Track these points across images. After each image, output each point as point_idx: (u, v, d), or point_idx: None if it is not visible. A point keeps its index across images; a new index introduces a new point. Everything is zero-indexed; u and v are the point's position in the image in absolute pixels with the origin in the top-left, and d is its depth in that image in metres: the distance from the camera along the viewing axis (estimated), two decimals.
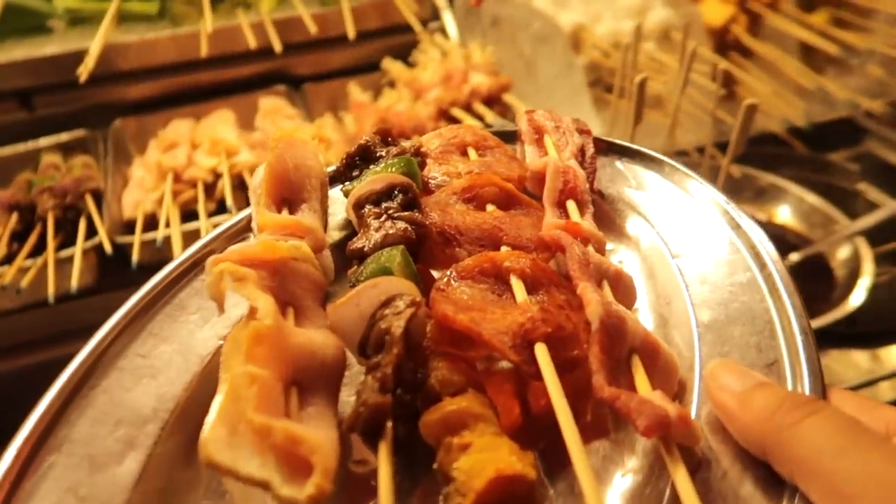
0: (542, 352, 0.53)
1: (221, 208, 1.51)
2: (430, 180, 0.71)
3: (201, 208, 1.46)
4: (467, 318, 0.53)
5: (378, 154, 0.70)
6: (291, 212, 0.65)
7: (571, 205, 0.67)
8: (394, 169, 0.65)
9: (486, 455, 0.46)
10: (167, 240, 1.38)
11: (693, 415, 0.51)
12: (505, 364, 0.59)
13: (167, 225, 1.43)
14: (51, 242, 1.37)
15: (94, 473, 0.47)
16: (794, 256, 1.54)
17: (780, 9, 2.00)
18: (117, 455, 0.48)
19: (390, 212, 0.61)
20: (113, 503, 0.46)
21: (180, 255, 0.64)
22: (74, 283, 1.30)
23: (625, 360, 0.53)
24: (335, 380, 0.51)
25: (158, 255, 1.37)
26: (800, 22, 1.94)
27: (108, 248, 1.37)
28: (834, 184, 1.79)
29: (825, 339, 1.32)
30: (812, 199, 1.68)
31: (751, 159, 1.73)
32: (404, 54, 1.95)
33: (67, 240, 1.42)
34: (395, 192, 0.63)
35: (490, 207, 0.68)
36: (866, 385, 1.27)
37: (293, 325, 0.53)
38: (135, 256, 1.35)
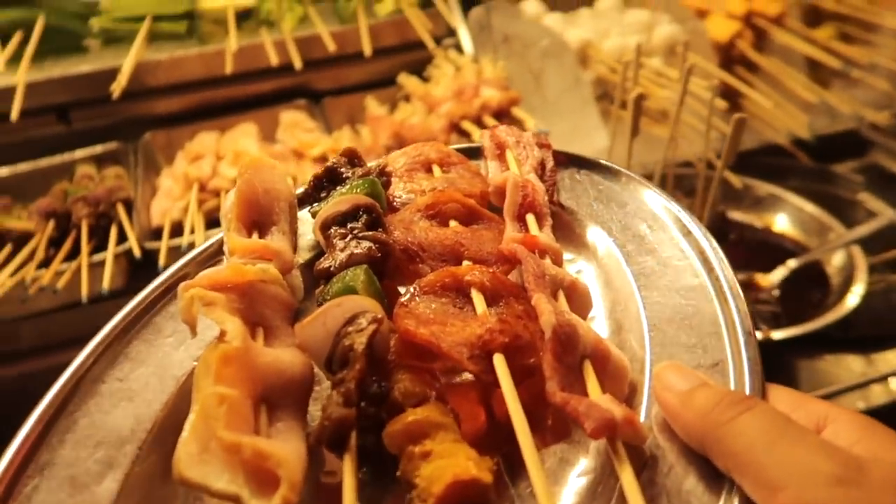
0: (499, 362, 0.56)
1: None
2: (395, 199, 0.74)
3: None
4: (428, 332, 0.56)
5: (344, 175, 0.73)
6: (261, 234, 0.68)
7: (531, 218, 0.70)
8: (358, 190, 0.68)
9: (444, 462, 0.49)
10: (192, 245, 1.45)
11: (643, 415, 0.54)
12: (467, 376, 0.63)
13: (192, 231, 1.53)
14: (84, 247, 1.48)
15: (76, 494, 0.49)
16: (792, 263, 1.56)
17: (785, 24, 2.04)
18: (97, 475, 0.51)
19: (355, 232, 0.64)
20: None
21: (153, 281, 0.67)
22: (106, 284, 1.39)
23: (577, 366, 0.55)
24: (303, 396, 0.54)
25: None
26: (804, 37, 1.98)
27: (137, 252, 1.47)
28: (835, 194, 1.82)
29: (821, 344, 1.36)
30: (810, 208, 1.71)
31: (756, 170, 1.76)
32: (419, 70, 2.04)
33: (100, 245, 1.52)
34: (360, 213, 0.65)
35: (453, 223, 0.71)
36: (858, 387, 1.32)
37: (262, 345, 0.56)
38: (162, 260, 1.44)
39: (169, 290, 0.67)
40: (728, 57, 1.99)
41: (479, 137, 0.84)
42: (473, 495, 0.47)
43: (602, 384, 0.54)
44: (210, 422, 0.46)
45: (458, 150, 0.83)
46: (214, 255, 0.72)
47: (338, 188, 0.72)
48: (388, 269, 0.65)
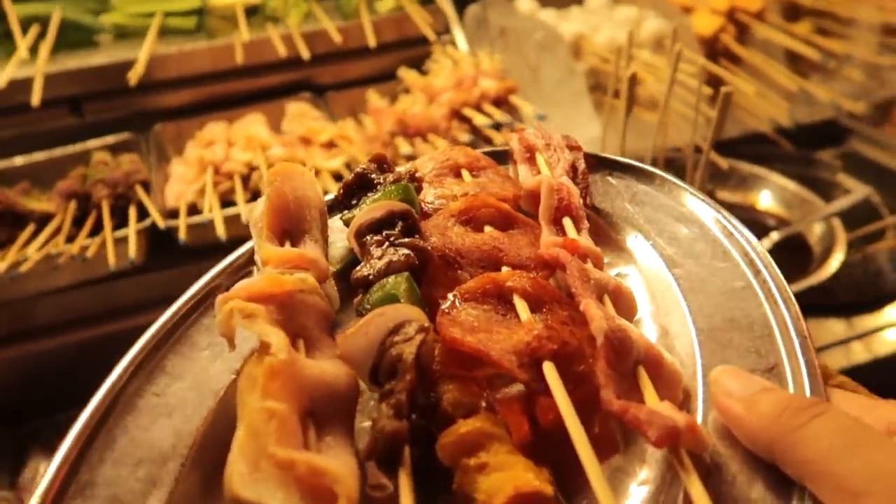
0: (549, 369, 0.54)
1: (254, 198, 1.63)
2: (426, 204, 0.72)
3: (239, 196, 1.62)
4: (475, 340, 0.55)
5: (375, 181, 0.71)
6: (293, 243, 0.66)
7: (567, 222, 0.69)
8: (393, 196, 0.66)
9: (503, 474, 0.47)
10: (211, 222, 1.52)
11: (699, 421, 0.53)
12: (513, 386, 0.61)
13: (209, 210, 1.58)
14: (107, 223, 1.53)
15: None
16: (775, 235, 1.66)
17: (765, 19, 2.13)
18: (140, 494, 0.49)
19: (392, 239, 0.62)
20: None
21: (186, 293, 0.65)
22: (132, 253, 1.46)
23: (630, 373, 0.54)
24: (350, 408, 0.52)
25: (201, 238, 1.54)
26: (784, 30, 2.06)
27: (160, 223, 1.52)
28: (815, 175, 1.93)
29: (804, 309, 1.41)
30: (792, 186, 1.82)
31: (741, 156, 1.85)
32: (418, 65, 2.11)
33: (120, 224, 1.57)
34: (395, 219, 0.64)
35: (487, 228, 0.70)
36: (840, 343, 1.45)
37: (304, 356, 0.54)
38: (182, 235, 1.51)
39: (201, 302, 0.65)
40: (713, 50, 2.07)
41: (506, 140, 0.82)
42: None
43: (656, 390, 0.53)
44: (260, 438, 0.44)
45: (486, 153, 0.82)
46: (245, 266, 0.70)
47: (369, 194, 0.70)
48: (425, 276, 0.63)
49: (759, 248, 0.65)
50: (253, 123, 1.90)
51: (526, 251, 0.67)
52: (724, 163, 1.55)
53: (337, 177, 1.71)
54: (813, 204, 1.76)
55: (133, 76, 1.81)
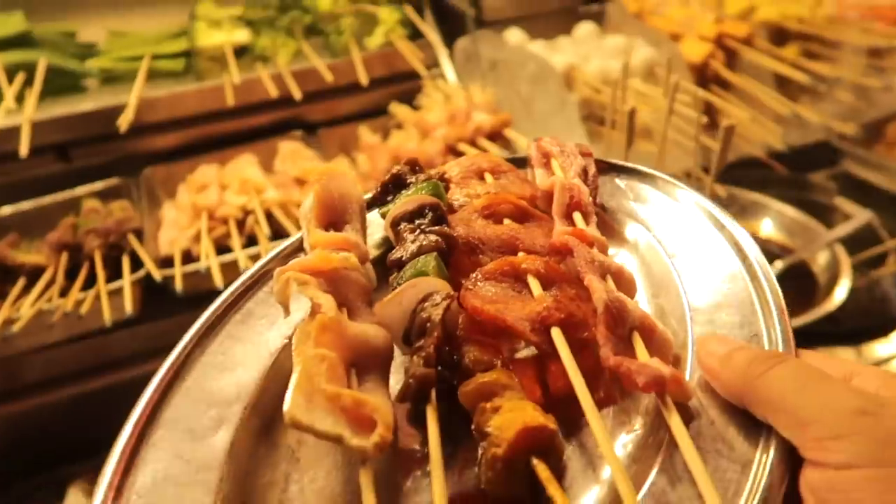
0: (557, 334, 0.63)
1: (251, 243, 1.66)
2: (453, 202, 0.82)
3: (235, 242, 1.60)
4: (493, 308, 0.64)
5: (408, 181, 0.81)
6: (337, 231, 0.76)
7: (577, 216, 0.78)
8: (423, 192, 0.76)
9: (514, 414, 0.56)
10: (208, 270, 1.51)
11: (687, 379, 0.61)
12: (526, 352, 0.70)
13: (206, 257, 1.55)
14: (101, 274, 1.51)
15: (195, 442, 0.57)
16: (779, 264, 1.67)
17: (753, 44, 2.17)
18: (212, 429, 0.59)
19: (423, 227, 0.72)
20: (212, 466, 0.56)
21: (244, 274, 0.76)
22: (129, 307, 1.44)
23: (626, 337, 0.62)
24: (386, 363, 0.62)
25: (197, 286, 1.51)
26: (772, 55, 2.10)
27: (157, 275, 1.50)
28: (812, 199, 1.96)
29: (811, 339, 1.45)
30: (792, 212, 1.84)
31: (736, 181, 1.90)
32: (408, 99, 2.13)
33: (112, 275, 1.55)
34: (426, 211, 0.74)
35: (507, 221, 0.79)
36: None
37: (346, 318, 0.63)
38: (178, 286, 1.48)
39: (257, 283, 0.75)
40: (703, 76, 2.12)
41: (526, 147, 0.92)
42: (542, 441, 0.54)
43: (650, 353, 0.61)
44: (313, 377, 0.54)
45: (507, 160, 0.91)
46: (294, 254, 0.80)
47: (403, 192, 0.80)
48: (451, 261, 0.73)
49: (747, 237, 0.73)
50: (246, 165, 1.89)
51: (540, 240, 0.76)
52: (722, 191, 1.58)
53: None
54: (814, 230, 1.76)
55: (123, 122, 1.77)
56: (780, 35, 2.26)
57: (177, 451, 0.56)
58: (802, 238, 1.79)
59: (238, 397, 0.62)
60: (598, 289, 0.63)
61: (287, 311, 0.65)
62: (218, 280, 1.47)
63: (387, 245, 0.82)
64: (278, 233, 1.67)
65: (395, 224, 0.75)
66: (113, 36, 2.19)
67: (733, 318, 0.66)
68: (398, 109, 2.06)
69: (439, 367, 0.59)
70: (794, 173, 2.02)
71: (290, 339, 0.69)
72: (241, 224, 1.70)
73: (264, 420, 0.62)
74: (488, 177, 0.87)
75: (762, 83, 2.02)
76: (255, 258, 1.50)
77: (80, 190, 1.87)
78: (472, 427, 0.58)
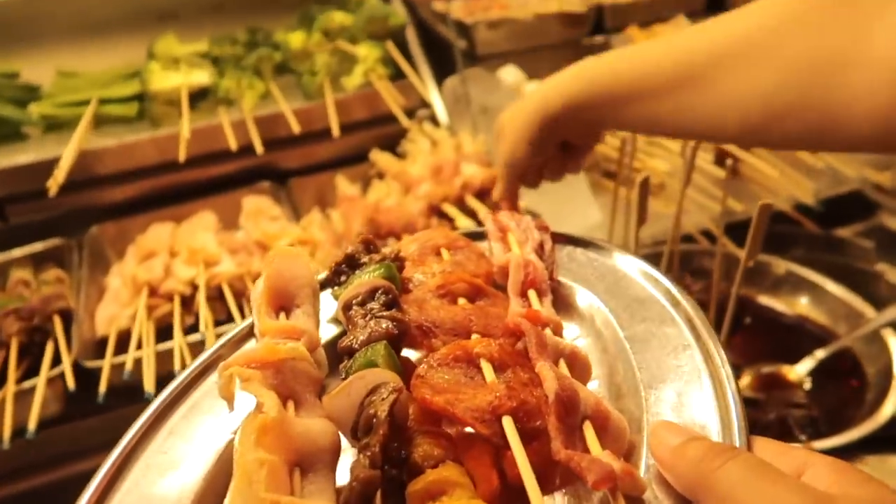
0: (508, 423, 0.61)
1: (196, 327, 1.46)
2: (409, 281, 0.81)
3: (177, 325, 1.43)
4: (442, 400, 0.62)
5: (361, 261, 0.80)
6: (288, 316, 0.75)
7: (532, 294, 0.77)
8: (375, 274, 0.75)
9: None
10: (139, 364, 1.33)
11: (643, 470, 0.59)
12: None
13: (139, 346, 1.38)
14: (12, 375, 1.31)
15: None
16: (820, 353, 1.41)
17: None
18: None
19: (374, 311, 0.71)
20: None
21: (194, 362, 0.74)
22: (32, 424, 1.24)
23: (579, 427, 0.61)
24: (332, 460, 0.60)
25: (132, 379, 1.33)
26: None
27: (70, 382, 1.31)
28: (849, 264, 1.70)
29: (860, 446, 1.19)
30: (831, 286, 1.56)
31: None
32: (393, 144, 1.98)
33: (35, 363, 1.37)
34: (378, 294, 0.72)
35: (461, 301, 0.78)
36: None
37: (293, 415, 0.62)
38: (102, 386, 1.29)
39: (206, 371, 0.73)
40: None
41: (483, 219, 0.92)
42: None
43: (603, 443, 0.60)
44: (252, 485, 0.52)
45: (464, 234, 0.91)
46: (246, 337, 0.78)
47: (356, 272, 0.79)
48: (405, 343, 0.72)
49: (700, 314, 0.73)
50: (200, 228, 1.69)
51: (494, 321, 0.75)
52: (740, 253, 1.43)
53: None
54: (858, 309, 1.49)
55: (52, 184, 1.57)
56: None
57: None
58: (846, 320, 1.51)
59: (179, 502, 0.60)
60: (548, 377, 0.62)
61: (231, 406, 0.63)
62: (148, 381, 1.30)
63: (340, 326, 0.80)
64: (231, 313, 1.50)
65: (346, 308, 0.74)
66: (61, 77, 2.00)
67: (688, 401, 0.65)
68: (380, 157, 1.92)
69: (386, 467, 0.57)
70: (826, 229, 1.79)
71: (236, 434, 0.66)
72: (189, 300, 1.52)
73: None
74: (445, 253, 0.86)
75: None
76: (198, 346, 1.38)
77: (16, 252, 1.66)
78: None
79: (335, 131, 1.83)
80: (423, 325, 0.73)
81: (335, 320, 0.82)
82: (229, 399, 0.62)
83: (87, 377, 1.34)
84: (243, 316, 1.50)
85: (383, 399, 0.60)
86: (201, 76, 1.93)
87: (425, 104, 2.03)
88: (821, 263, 1.62)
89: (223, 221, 1.79)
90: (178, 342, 1.38)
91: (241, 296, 1.55)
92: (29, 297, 1.47)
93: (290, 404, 0.63)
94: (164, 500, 0.60)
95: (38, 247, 1.68)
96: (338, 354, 0.73)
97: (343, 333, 0.78)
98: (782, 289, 1.62)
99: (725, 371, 0.66)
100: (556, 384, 0.61)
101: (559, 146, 1.09)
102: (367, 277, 0.75)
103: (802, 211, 1.80)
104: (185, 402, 0.70)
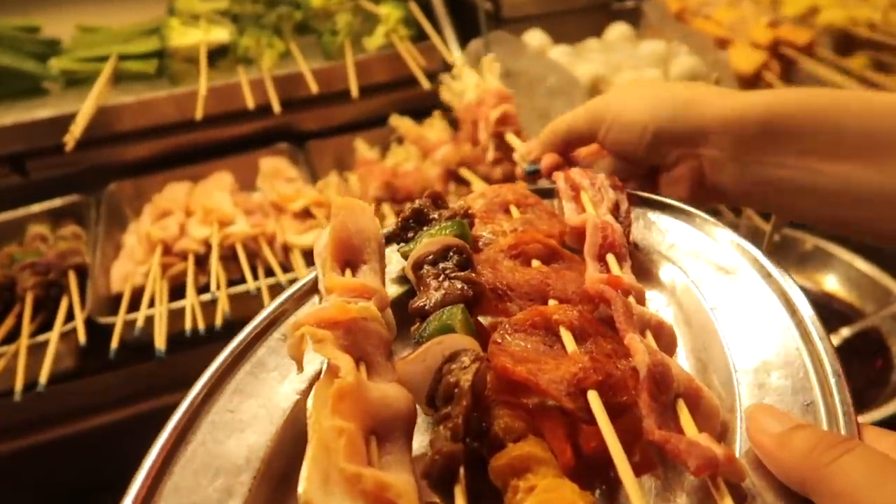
0: (594, 398, 0.58)
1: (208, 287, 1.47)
2: (478, 239, 0.77)
3: (190, 284, 1.43)
4: (525, 370, 0.59)
5: (430, 217, 0.76)
6: (354, 272, 0.71)
7: (611, 258, 0.73)
8: (448, 231, 0.71)
9: (550, 495, 0.51)
10: (150, 320, 1.35)
11: (737, 453, 0.56)
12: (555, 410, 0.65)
13: (150, 304, 1.39)
14: (25, 328, 1.33)
15: None
16: (845, 331, 1.41)
17: (814, 53, 1.92)
18: (217, 503, 0.54)
19: (447, 272, 0.67)
20: None
21: (257, 317, 0.71)
22: (43, 378, 1.26)
23: (671, 405, 0.57)
24: (409, 429, 0.57)
25: (139, 341, 1.35)
26: (836, 67, 1.86)
27: (82, 337, 1.33)
28: (882, 246, 1.61)
29: (884, 427, 1.18)
30: (861, 264, 1.53)
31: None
32: (414, 107, 1.93)
33: (50, 317, 1.39)
34: (451, 253, 0.68)
35: (535, 263, 0.74)
36: None
37: (368, 380, 0.58)
38: (114, 342, 1.31)
39: (270, 326, 0.70)
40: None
41: (555, 177, 0.87)
42: None
43: (695, 422, 0.56)
44: (331, 453, 0.49)
45: (533, 191, 0.86)
46: (309, 293, 0.75)
47: (425, 229, 0.75)
48: (478, 307, 0.68)
49: (796, 288, 0.68)
50: (217, 188, 1.68)
51: (572, 286, 0.71)
52: (765, 225, 1.38)
53: (310, 254, 1.51)
54: (888, 287, 1.47)
55: (70, 139, 1.57)
56: (845, 43, 1.99)
57: None
58: (874, 299, 1.48)
59: (248, 463, 0.57)
60: (639, 350, 0.58)
61: (301, 367, 0.60)
62: (159, 338, 1.30)
63: (404, 284, 0.77)
64: (245, 273, 1.48)
65: (417, 267, 0.70)
66: (81, 32, 1.98)
67: (784, 382, 0.61)
68: (399, 122, 1.88)
69: (467, 439, 0.54)
70: None
71: (303, 394, 0.64)
72: (203, 260, 1.51)
73: (275, 490, 0.57)
74: (514, 210, 0.82)
75: None
76: (210, 305, 1.38)
77: (35, 208, 1.68)
78: None
79: (354, 92, 1.78)
80: (497, 288, 0.69)
81: (399, 279, 0.78)
82: (298, 359, 0.59)
83: (100, 333, 1.35)
84: (256, 277, 1.49)
85: (465, 368, 0.56)
86: (221, 33, 1.89)
87: (447, 67, 1.99)
88: (849, 241, 1.57)
89: (240, 182, 1.77)
90: (190, 301, 1.38)
91: (254, 256, 1.55)
92: (45, 251, 1.49)
93: (362, 367, 0.60)
94: (232, 460, 0.57)
95: (56, 203, 1.69)
96: (404, 311, 0.70)
97: (408, 293, 0.75)
98: (808, 265, 1.59)
99: (825, 350, 0.61)
100: (648, 358, 0.57)
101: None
102: (440, 235, 0.71)
103: None
104: (249, 358, 0.67)
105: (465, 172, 1.62)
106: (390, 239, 0.79)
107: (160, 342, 1.30)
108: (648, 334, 0.64)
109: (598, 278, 0.68)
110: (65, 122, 1.64)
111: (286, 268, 1.52)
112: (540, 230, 0.78)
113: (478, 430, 0.56)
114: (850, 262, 1.55)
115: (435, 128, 1.81)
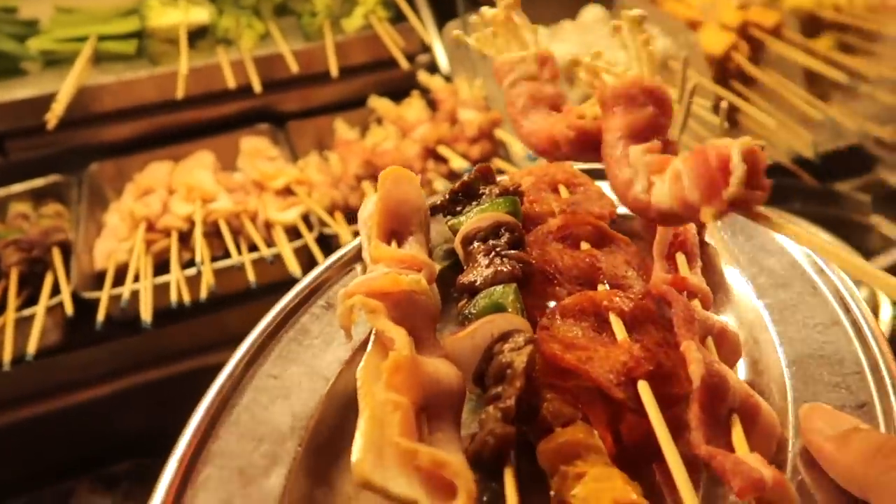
0: (644, 389, 0.56)
1: (192, 263, 1.48)
2: (525, 218, 0.76)
3: (174, 260, 1.45)
4: (574, 358, 0.57)
5: (480, 191, 0.75)
6: (400, 244, 0.70)
7: (681, 258, 0.70)
8: (500, 208, 0.69)
9: (601, 484, 0.50)
10: (135, 294, 1.36)
11: (789, 471, 0.54)
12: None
13: (136, 279, 1.41)
14: (12, 302, 1.34)
15: (246, 486, 0.52)
16: None
17: (782, 35, 1.96)
18: (263, 469, 0.54)
19: (498, 249, 0.65)
20: None
21: (299, 283, 0.70)
22: (31, 348, 1.27)
23: (724, 420, 0.55)
24: (459, 408, 0.56)
25: (128, 311, 1.37)
26: (804, 48, 1.90)
27: (69, 308, 1.34)
28: (843, 217, 1.73)
29: None
30: (825, 237, 1.57)
31: None
32: (392, 89, 1.94)
33: (35, 293, 1.39)
34: (502, 231, 0.67)
35: (584, 245, 0.72)
36: None
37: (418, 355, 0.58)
38: (100, 315, 1.32)
39: (313, 293, 0.70)
40: (723, 70, 1.92)
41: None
42: None
43: (750, 440, 0.53)
44: (385, 428, 0.48)
45: (583, 171, 0.84)
46: (352, 261, 0.74)
47: (474, 203, 0.74)
48: (527, 289, 0.66)
49: (850, 284, 0.66)
50: (198, 167, 1.69)
51: (622, 270, 0.69)
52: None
53: (292, 230, 1.52)
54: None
55: (51, 117, 1.58)
56: (812, 25, 2.03)
57: (226, 495, 0.51)
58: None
59: (292, 430, 0.57)
60: (694, 359, 0.55)
61: (349, 336, 0.59)
62: (145, 311, 1.32)
63: (450, 258, 0.75)
64: (230, 249, 1.51)
65: (466, 242, 0.69)
66: (59, 12, 1.95)
67: (837, 379, 0.59)
68: (378, 103, 1.89)
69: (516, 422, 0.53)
70: (823, 183, 1.79)
71: (346, 364, 0.63)
72: (187, 236, 1.53)
73: (320, 459, 0.57)
74: (563, 190, 0.80)
75: (791, 79, 1.83)
76: (194, 279, 1.40)
77: (16, 188, 1.67)
78: (552, 492, 0.52)
79: (334, 71, 1.79)
80: (546, 270, 0.67)
81: (443, 253, 0.77)
82: (347, 329, 0.58)
83: (85, 308, 1.36)
84: (240, 252, 1.50)
85: (519, 349, 0.55)
86: (200, 14, 1.88)
87: (426, 49, 1.99)
88: (815, 216, 1.62)
89: (221, 162, 1.77)
90: (175, 276, 1.40)
91: (237, 233, 1.57)
92: (28, 230, 1.49)
93: (411, 342, 0.59)
94: (276, 427, 0.57)
95: (38, 182, 1.68)
96: (445, 289, 0.69)
97: (453, 267, 0.74)
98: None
99: (881, 351, 0.60)
100: (703, 369, 0.55)
101: None
102: (492, 210, 0.69)
103: (800, 164, 1.77)
104: (293, 325, 0.66)
105: (443, 150, 1.65)
106: (436, 211, 0.78)
107: (146, 314, 1.32)
108: (710, 341, 0.62)
109: (662, 278, 0.67)
110: (44, 102, 1.64)
111: (269, 243, 1.54)
112: (589, 211, 0.76)
113: (527, 412, 0.55)
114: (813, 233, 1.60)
115: (413, 107, 1.83)
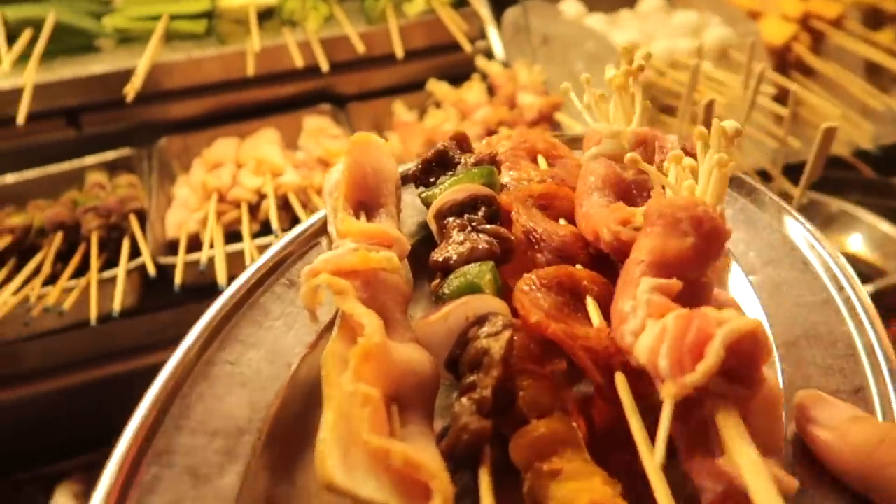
0: (621, 382, 0.52)
1: (266, 229, 1.53)
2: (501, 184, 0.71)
3: (245, 230, 1.49)
4: (561, 329, 0.53)
5: (455, 160, 0.70)
6: (369, 217, 0.65)
7: None
8: (475, 179, 0.65)
9: (578, 484, 0.46)
10: (211, 262, 1.40)
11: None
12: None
13: (211, 246, 1.45)
14: (94, 263, 1.41)
15: (198, 486, 0.47)
16: (868, 288, 1.39)
17: (844, 26, 1.95)
18: (218, 467, 0.49)
19: (474, 224, 0.61)
20: None
21: (257, 261, 0.64)
22: (117, 305, 1.34)
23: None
24: (432, 398, 0.52)
25: (202, 277, 1.40)
26: (865, 40, 1.89)
27: (151, 270, 1.40)
28: None
29: None
30: (886, 227, 1.58)
31: (815, 184, 1.62)
32: (450, 74, 1.96)
33: (112, 259, 1.45)
34: (479, 204, 0.62)
35: (562, 221, 0.68)
36: None
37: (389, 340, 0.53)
38: (178, 279, 1.37)
39: (274, 270, 0.64)
40: (783, 61, 1.91)
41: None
42: None
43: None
44: (353, 423, 0.44)
45: (566, 141, 0.80)
46: (316, 235, 0.69)
47: (448, 173, 0.69)
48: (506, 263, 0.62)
49: (842, 261, 0.63)
50: (265, 142, 1.76)
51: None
52: (796, 192, 1.37)
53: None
54: None
55: (130, 90, 1.64)
56: (875, 17, 2.03)
57: (175, 497, 0.46)
58: None
59: (250, 423, 0.52)
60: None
61: (314, 318, 0.54)
62: (221, 275, 1.36)
63: (421, 232, 0.71)
64: (296, 221, 1.52)
65: (440, 216, 0.64)
66: None
67: (830, 362, 0.56)
68: (437, 87, 1.91)
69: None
70: (882, 177, 1.77)
71: (311, 348, 0.58)
72: (255, 208, 1.58)
73: (281, 454, 0.52)
74: (542, 160, 0.75)
75: (852, 72, 1.82)
76: (264, 249, 1.38)
77: (89, 160, 1.73)
78: (525, 490, 0.48)
79: (399, 52, 1.82)
80: (530, 233, 0.62)
81: (415, 227, 0.72)
82: (312, 310, 0.54)
83: (160, 274, 1.41)
84: None
85: (496, 335, 0.51)
86: None
87: (483, 36, 2.03)
88: (875, 207, 1.62)
89: (284, 141, 1.82)
90: (247, 244, 1.43)
91: (303, 207, 1.61)
92: (105, 198, 1.55)
93: (382, 326, 0.55)
94: (233, 419, 0.52)
95: (109, 155, 1.75)
96: (419, 266, 0.64)
97: (425, 241, 0.69)
98: (833, 227, 1.61)
99: (876, 331, 0.57)
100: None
101: None
102: (467, 182, 0.64)
103: (859, 156, 1.76)
104: (251, 305, 0.61)
105: (505, 131, 1.64)
106: (408, 180, 0.72)
107: (222, 279, 1.37)
108: None
109: None
110: (118, 78, 1.69)
111: None
112: (568, 186, 0.71)
113: (503, 402, 0.51)
114: (874, 224, 1.59)
115: (474, 90, 1.86)
